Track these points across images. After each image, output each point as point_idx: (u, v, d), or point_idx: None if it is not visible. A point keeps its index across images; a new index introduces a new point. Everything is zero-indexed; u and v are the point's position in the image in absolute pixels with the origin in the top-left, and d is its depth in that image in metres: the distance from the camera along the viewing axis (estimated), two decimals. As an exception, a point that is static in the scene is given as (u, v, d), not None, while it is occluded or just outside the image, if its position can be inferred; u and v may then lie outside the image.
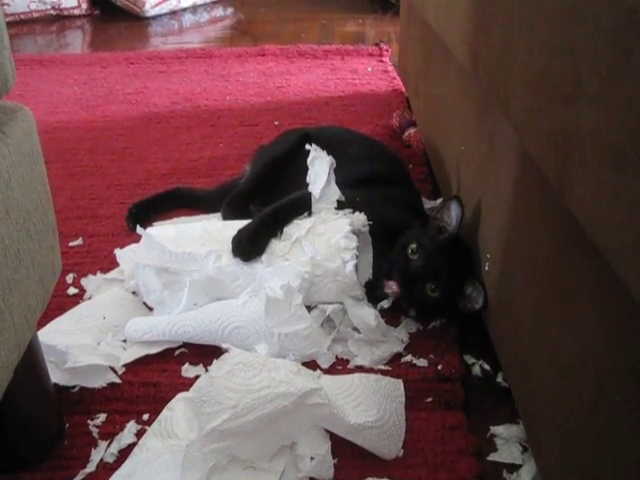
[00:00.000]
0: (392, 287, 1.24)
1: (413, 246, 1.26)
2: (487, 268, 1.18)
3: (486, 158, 1.18)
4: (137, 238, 1.39)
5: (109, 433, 1.09)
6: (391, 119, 2.16)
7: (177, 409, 1.05)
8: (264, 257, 1.28)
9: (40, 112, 2.39)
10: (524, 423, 1.06)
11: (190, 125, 2.29)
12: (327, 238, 1.27)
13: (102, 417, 1.12)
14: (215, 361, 1.08)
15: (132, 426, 1.09)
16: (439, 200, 1.70)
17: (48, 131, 2.23)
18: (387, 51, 3.06)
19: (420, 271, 1.24)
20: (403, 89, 2.50)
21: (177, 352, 1.25)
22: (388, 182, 1.52)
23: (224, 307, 1.23)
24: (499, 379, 1.22)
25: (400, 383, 1.12)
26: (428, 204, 1.67)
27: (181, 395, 1.08)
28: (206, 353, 1.22)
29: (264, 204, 1.47)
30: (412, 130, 2.04)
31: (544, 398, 0.93)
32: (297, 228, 1.30)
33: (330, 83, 2.68)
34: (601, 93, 0.64)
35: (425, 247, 1.26)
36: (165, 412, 1.06)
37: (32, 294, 0.84)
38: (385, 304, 1.26)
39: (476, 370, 1.25)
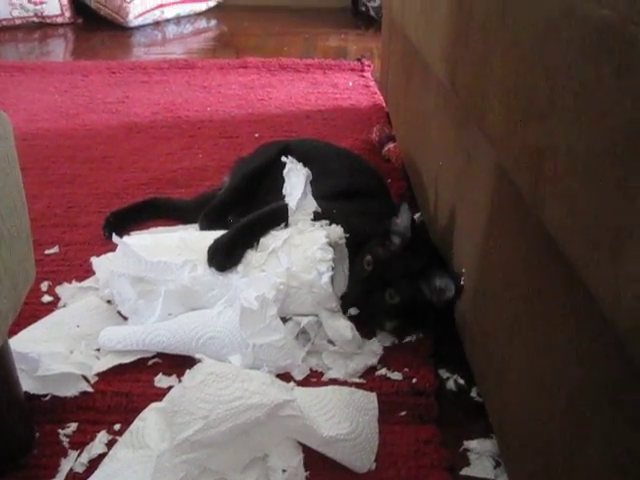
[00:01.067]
0: (351, 313, 1.27)
1: (367, 258, 1.28)
2: (462, 282, 1.19)
3: (464, 172, 1.19)
4: (113, 247, 1.38)
5: (80, 443, 1.07)
6: (371, 133, 2.17)
7: (149, 419, 1.04)
8: (240, 267, 1.27)
9: (20, 119, 2.38)
10: (497, 437, 1.07)
11: (170, 135, 2.29)
12: (303, 249, 1.27)
13: (73, 426, 1.10)
14: (188, 371, 1.07)
15: (103, 436, 1.08)
16: (417, 214, 1.70)
17: (27, 138, 2.22)
18: (369, 66, 3.08)
19: (375, 280, 1.26)
20: (384, 104, 2.51)
21: (150, 362, 1.24)
22: (366, 195, 1.53)
23: (199, 317, 1.22)
24: (473, 394, 1.22)
25: (374, 396, 1.11)
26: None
27: (153, 405, 1.07)
28: (180, 364, 1.21)
29: (242, 215, 1.46)
30: (391, 145, 2.05)
31: (517, 413, 0.93)
32: (273, 239, 1.30)
33: (311, 97, 2.68)
34: (574, 109, 0.64)
35: (378, 257, 1.27)
36: (137, 422, 1.05)
37: (4, 301, 0.83)
38: (353, 310, 1.27)
39: (450, 384, 1.25)
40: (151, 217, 1.70)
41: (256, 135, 2.28)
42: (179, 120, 2.43)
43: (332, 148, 1.73)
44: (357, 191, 1.52)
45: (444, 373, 1.27)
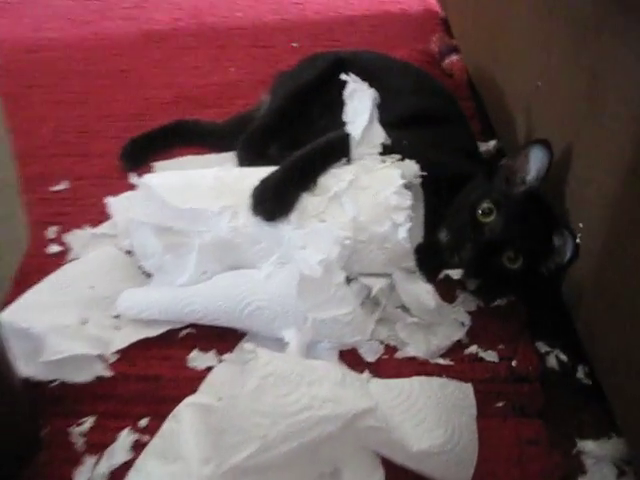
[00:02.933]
0: (457, 274, 1.00)
1: (486, 205, 1.00)
2: (578, 240, 0.93)
3: (584, 99, 0.91)
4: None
5: (98, 444, 0.86)
6: (429, 43, 1.87)
7: (184, 420, 0.80)
8: (293, 216, 1.00)
9: (24, 29, 2.12)
10: (628, 439, 0.84)
11: (195, 45, 2.01)
12: (373, 193, 1.01)
13: (89, 422, 0.88)
14: (237, 370, 0.84)
15: (127, 436, 0.86)
16: (492, 142, 1.42)
17: (32, 50, 1.96)
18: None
19: (498, 238, 0.99)
20: (438, 9, 2.19)
21: (183, 333, 1.01)
22: (439, 121, 1.25)
23: (242, 280, 0.98)
24: (580, 374, 0.98)
25: (470, 389, 0.88)
26: (480, 146, 1.39)
27: (190, 400, 0.84)
28: (220, 335, 1.00)
29: (288, 145, 1.22)
30: (454, 57, 1.76)
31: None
32: (335, 180, 1.03)
33: (354, 0, 2.36)
34: None
35: (502, 206, 1.00)
36: (169, 424, 0.82)
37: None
38: (455, 274, 1.00)
39: (551, 362, 1.00)
40: (177, 144, 1.47)
41: (294, 45, 2.00)
42: (205, 27, 2.13)
43: (395, 62, 1.44)
44: (428, 116, 1.24)
45: (542, 347, 1.03)
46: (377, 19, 2.19)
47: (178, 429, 0.80)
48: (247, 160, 1.25)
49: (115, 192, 1.21)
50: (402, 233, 0.97)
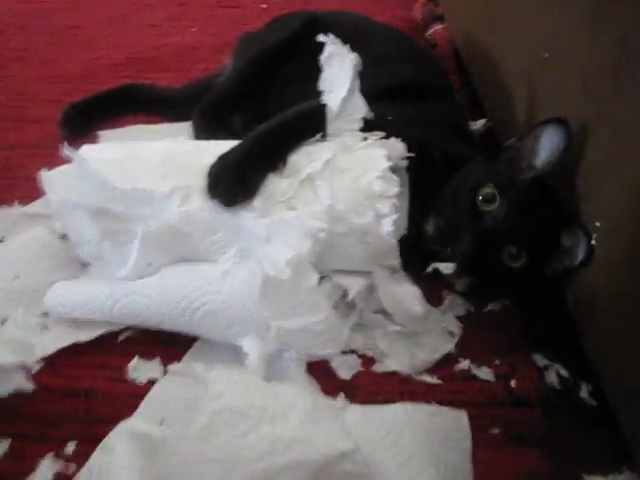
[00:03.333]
0: (448, 269, 0.85)
1: (488, 191, 0.86)
2: (593, 241, 0.79)
3: (609, 77, 0.77)
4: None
5: (12, 474, 0.71)
6: (411, 10, 1.72)
7: (117, 453, 0.65)
8: (256, 201, 0.85)
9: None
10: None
11: (153, 2, 1.82)
12: (353, 177, 0.85)
13: (3, 446, 0.73)
14: (180, 381, 0.68)
15: (49, 464, 0.72)
16: (481, 121, 1.27)
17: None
18: None
19: (500, 228, 0.84)
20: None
21: (121, 337, 0.86)
22: (428, 94, 1.09)
23: (194, 277, 0.82)
24: (583, 393, 0.85)
25: (464, 417, 0.74)
26: (469, 125, 1.24)
27: (125, 425, 0.69)
28: (166, 340, 0.85)
29: (254, 117, 1.06)
30: (439, 26, 1.61)
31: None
32: (308, 159, 0.87)
33: (332, -43, 2.18)
34: None
35: (506, 193, 0.85)
36: (99, 454, 0.67)
37: None
38: (447, 268, 0.85)
39: (551, 378, 0.87)
40: (127, 111, 1.30)
41: (263, 6, 1.82)
42: (164, -17, 1.94)
43: (378, 26, 1.28)
44: (417, 88, 1.09)
45: (540, 360, 0.89)
46: (356, -20, 2.02)
47: (109, 464, 0.65)
48: (204, 132, 1.09)
49: (53, 164, 1.02)
50: (387, 226, 0.82)
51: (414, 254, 0.90)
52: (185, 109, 1.19)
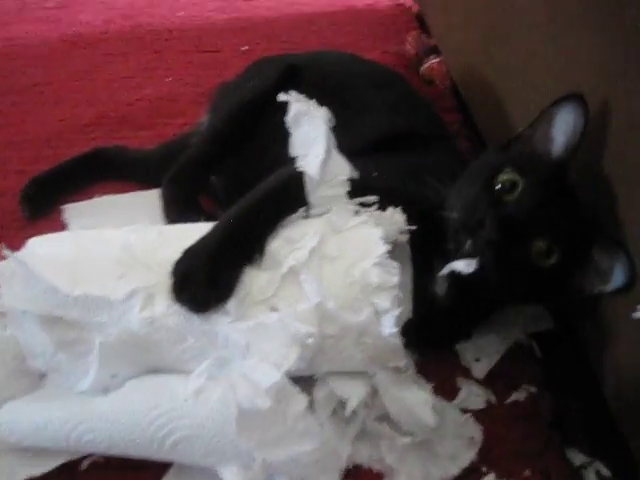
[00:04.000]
0: (470, 265, 0.71)
1: (507, 177, 0.74)
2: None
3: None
4: (41, 232, 0.84)
5: None
6: (403, 44, 1.59)
7: None
8: (231, 304, 0.71)
9: None
10: None
11: (127, 51, 1.68)
12: (346, 267, 0.71)
13: None
14: None
15: None
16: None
17: None
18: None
19: (526, 216, 0.72)
20: (411, 3, 1.91)
21: (84, 465, 0.72)
22: (419, 141, 0.97)
23: (162, 399, 0.69)
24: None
25: None
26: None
27: None
28: (136, 465, 0.72)
29: (236, 177, 0.98)
30: (434, 60, 1.48)
31: None
32: (290, 247, 0.73)
33: (313, -6, 2.07)
34: None
35: (529, 176, 0.73)
36: None
37: None
38: (466, 266, 0.72)
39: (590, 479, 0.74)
40: (96, 179, 1.18)
41: (243, 48, 1.69)
42: (140, 30, 1.80)
43: (362, 66, 1.15)
44: (406, 136, 0.96)
45: (575, 456, 0.76)
46: (340, 16, 1.89)
47: None
48: (174, 204, 0.98)
49: (13, 246, 0.90)
50: (388, 324, 0.68)
51: (425, 332, 0.78)
52: (159, 172, 1.06)
